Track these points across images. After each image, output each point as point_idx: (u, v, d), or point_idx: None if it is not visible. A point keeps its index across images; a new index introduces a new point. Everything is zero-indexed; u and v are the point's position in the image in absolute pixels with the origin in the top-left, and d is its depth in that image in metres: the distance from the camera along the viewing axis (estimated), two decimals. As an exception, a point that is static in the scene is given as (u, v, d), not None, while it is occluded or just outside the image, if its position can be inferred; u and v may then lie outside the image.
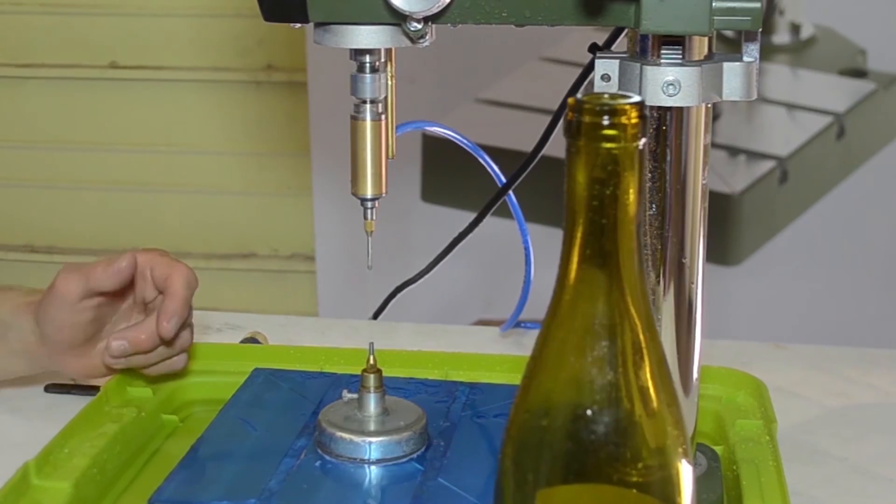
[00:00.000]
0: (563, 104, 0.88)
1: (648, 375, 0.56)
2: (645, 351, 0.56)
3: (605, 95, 0.55)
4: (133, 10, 2.20)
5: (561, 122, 0.86)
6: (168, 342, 0.90)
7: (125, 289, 0.93)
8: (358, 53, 0.78)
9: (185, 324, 0.91)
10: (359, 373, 0.83)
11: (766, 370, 0.96)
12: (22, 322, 0.94)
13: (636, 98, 0.55)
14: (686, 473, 0.57)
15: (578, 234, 0.55)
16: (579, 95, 0.55)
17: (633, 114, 0.54)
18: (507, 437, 0.58)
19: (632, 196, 0.55)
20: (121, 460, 0.85)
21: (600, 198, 0.54)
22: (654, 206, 0.77)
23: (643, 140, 0.55)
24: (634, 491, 0.56)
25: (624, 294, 0.55)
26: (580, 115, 0.54)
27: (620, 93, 0.58)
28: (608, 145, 0.54)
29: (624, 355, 0.56)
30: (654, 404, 0.56)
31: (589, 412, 0.55)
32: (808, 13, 1.83)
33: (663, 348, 0.57)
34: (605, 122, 0.54)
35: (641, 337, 0.56)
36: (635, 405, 0.56)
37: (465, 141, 0.96)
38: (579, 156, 0.55)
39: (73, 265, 0.92)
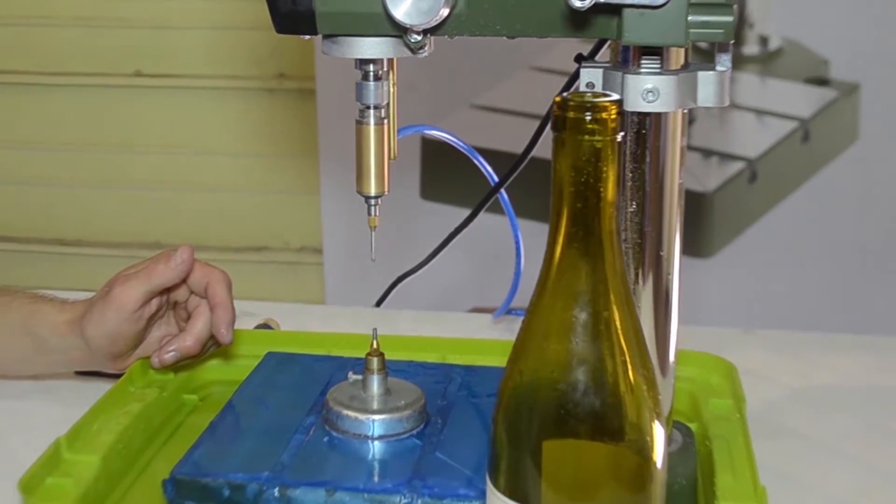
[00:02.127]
0: (552, 109, 0.88)
1: (624, 340, 0.57)
2: (622, 319, 0.57)
3: (588, 94, 0.57)
4: (156, 23, 2.20)
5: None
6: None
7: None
8: (363, 63, 0.78)
9: None
10: (363, 356, 0.83)
11: (737, 354, 0.96)
12: (66, 343, 0.92)
13: (615, 96, 0.57)
14: (659, 433, 0.58)
15: (563, 218, 0.57)
16: (565, 94, 0.57)
17: (613, 110, 0.56)
18: (500, 399, 0.59)
19: (611, 182, 0.56)
20: (145, 436, 0.85)
21: (583, 184, 0.56)
22: (634, 203, 0.76)
23: (621, 133, 0.56)
24: (616, 447, 0.57)
25: (604, 269, 0.57)
26: (565, 112, 0.56)
27: (601, 91, 0.59)
28: (590, 138, 0.56)
29: (604, 322, 0.57)
30: (630, 367, 0.57)
31: (572, 374, 0.57)
32: (775, 26, 1.83)
33: (639, 318, 0.59)
34: (588, 118, 0.56)
35: (619, 307, 0.57)
36: (614, 367, 0.57)
37: (460, 143, 0.96)
38: (565, 147, 0.56)
39: (125, 274, 0.90)
